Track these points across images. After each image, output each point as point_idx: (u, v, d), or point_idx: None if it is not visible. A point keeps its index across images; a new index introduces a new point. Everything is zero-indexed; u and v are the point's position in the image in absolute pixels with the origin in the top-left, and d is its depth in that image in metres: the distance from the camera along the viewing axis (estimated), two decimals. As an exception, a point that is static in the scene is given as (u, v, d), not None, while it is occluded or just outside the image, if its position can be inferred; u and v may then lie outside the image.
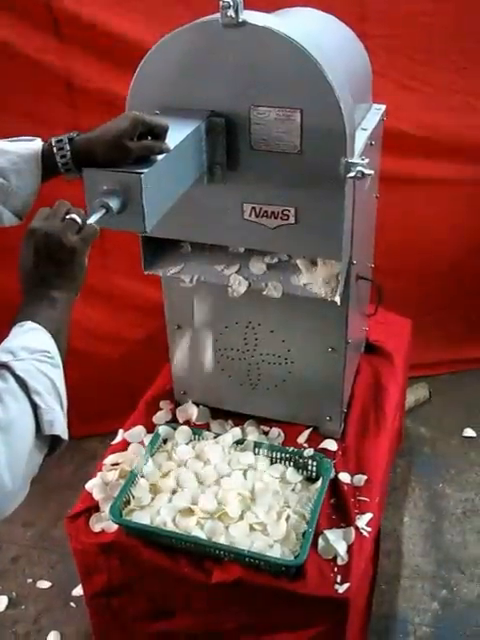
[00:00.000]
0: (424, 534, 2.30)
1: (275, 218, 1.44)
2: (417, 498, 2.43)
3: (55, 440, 0.97)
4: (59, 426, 0.96)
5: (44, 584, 2.21)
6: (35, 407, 0.93)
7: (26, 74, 2.01)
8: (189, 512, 1.56)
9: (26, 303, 1.03)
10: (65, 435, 0.97)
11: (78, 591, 2.11)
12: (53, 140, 1.18)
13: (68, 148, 1.17)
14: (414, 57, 2.25)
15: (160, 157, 1.19)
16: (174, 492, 1.60)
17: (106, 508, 1.58)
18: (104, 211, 1.11)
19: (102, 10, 1.99)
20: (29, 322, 1.00)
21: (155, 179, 1.16)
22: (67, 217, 1.05)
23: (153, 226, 1.18)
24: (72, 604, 2.14)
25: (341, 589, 1.45)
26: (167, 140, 1.22)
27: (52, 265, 1.03)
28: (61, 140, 1.18)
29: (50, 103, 2.07)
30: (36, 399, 0.93)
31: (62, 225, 1.04)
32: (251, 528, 1.53)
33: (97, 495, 1.64)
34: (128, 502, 1.59)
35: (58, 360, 1.00)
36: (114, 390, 2.50)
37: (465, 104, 2.35)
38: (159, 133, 1.20)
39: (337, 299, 1.51)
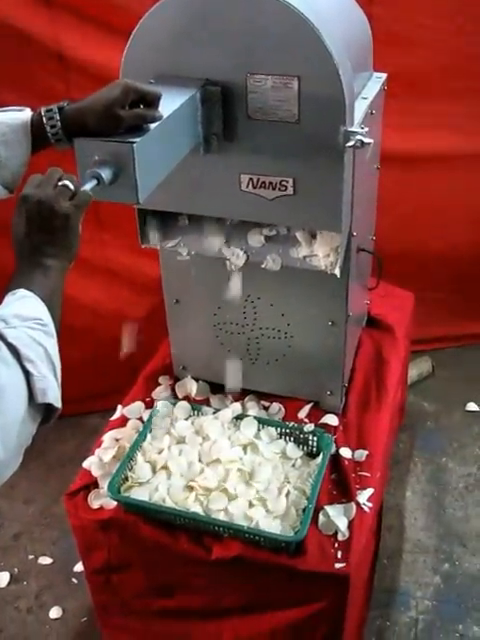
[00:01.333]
0: (426, 508, 2.30)
1: (273, 189, 1.42)
2: (419, 473, 2.42)
3: (49, 410, 0.96)
4: (52, 394, 0.94)
5: (46, 560, 2.22)
6: (27, 375, 0.92)
7: (17, 45, 1.97)
8: (188, 488, 1.55)
9: (19, 271, 1.01)
10: (58, 403, 0.96)
11: (79, 567, 2.11)
12: (43, 110, 1.16)
13: (58, 117, 1.14)
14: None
15: (153, 126, 1.16)
16: (173, 468, 1.59)
17: (104, 485, 1.57)
18: (96, 182, 1.09)
19: None
20: (22, 290, 0.98)
21: (148, 149, 1.14)
22: (59, 184, 1.03)
23: (146, 197, 1.16)
24: (74, 580, 2.14)
25: (341, 565, 1.44)
26: (161, 109, 1.19)
27: (45, 233, 1.01)
28: (51, 110, 1.15)
29: (42, 75, 2.03)
30: (28, 366, 0.92)
31: (55, 192, 1.02)
32: (251, 504, 1.53)
33: (95, 472, 1.63)
34: (126, 478, 1.58)
35: (51, 328, 0.98)
36: (115, 366, 2.44)
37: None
38: (151, 101, 1.17)
39: (337, 271, 1.49)
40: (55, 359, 0.98)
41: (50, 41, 2.00)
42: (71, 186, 1.03)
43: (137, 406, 1.81)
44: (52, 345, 0.98)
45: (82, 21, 1.99)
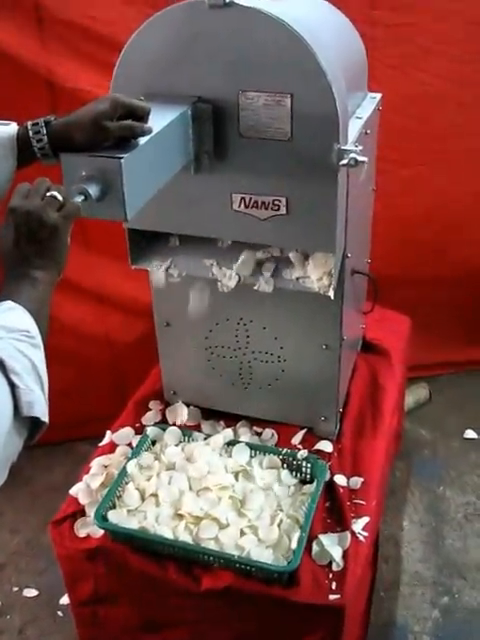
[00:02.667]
0: (424, 539, 2.26)
1: (265, 209, 1.41)
2: (417, 502, 2.39)
3: (36, 424, 0.94)
4: (39, 408, 0.93)
5: (31, 592, 2.17)
6: (13, 387, 0.90)
7: (6, 71, 1.97)
8: (178, 516, 1.53)
9: (6, 283, 1.01)
10: (45, 418, 0.94)
11: (65, 600, 2.06)
12: (29, 124, 1.15)
13: (45, 132, 1.14)
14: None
15: (142, 141, 1.15)
16: (162, 496, 1.57)
17: (92, 512, 1.55)
18: (83, 198, 1.08)
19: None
20: (9, 301, 0.97)
21: (137, 165, 1.13)
22: (47, 194, 1.02)
23: (134, 215, 1.15)
24: (59, 613, 2.09)
25: (336, 597, 1.42)
26: (150, 125, 1.18)
27: (33, 244, 1.01)
28: (37, 123, 1.14)
29: (30, 102, 2.01)
30: (14, 379, 0.91)
31: (42, 203, 1.01)
32: (242, 533, 1.51)
33: (83, 499, 1.61)
34: (114, 506, 1.56)
35: (39, 340, 0.97)
36: (105, 392, 2.50)
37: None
38: (141, 116, 1.17)
39: (331, 294, 1.48)
40: (42, 372, 0.96)
41: (40, 68, 2.00)
42: (59, 197, 1.03)
43: (126, 432, 1.80)
44: (39, 358, 0.96)
45: (73, 50, 1.99)
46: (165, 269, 1.60)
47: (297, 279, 1.53)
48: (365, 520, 1.56)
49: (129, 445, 1.76)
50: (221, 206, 1.43)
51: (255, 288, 1.54)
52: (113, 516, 1.53)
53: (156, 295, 1.72)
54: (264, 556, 1.45)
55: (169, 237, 1.61)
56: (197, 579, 1.47)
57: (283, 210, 1.40)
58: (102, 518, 1.51)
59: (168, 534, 1.50)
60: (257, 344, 1.71)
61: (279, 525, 1.51)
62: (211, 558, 1.46)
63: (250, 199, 1.41)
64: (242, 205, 1.42)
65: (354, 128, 1.46)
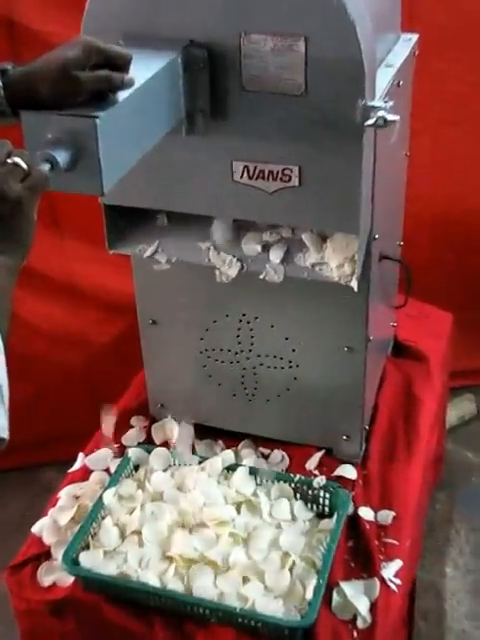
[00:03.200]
0: (471, 589, 2.27)
1: (274, 180, 1.40)
2: (462, 542, 2.39)
3: None
4: None
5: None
6: None
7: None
8: (166, 559, 1.53)
9: None
10: (4, 433, 0.94)
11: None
12: (-21, 73, 1.14)
13: (0, 83, 1.12)
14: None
15: (122, 96, 1.14)
16: (147, 533, 1.57)
17: (59, 555, 1.55)
18: (49, 166, 1.07)
19: None
20: None
21: (115, 125, 1.12)
22: (8, 161, 1.01)
23: (112, 187, 1.14)
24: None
25: (362, 659, 1.43)
26: (132, 75, 1.17)
27: None
28: (-10, 73, 1.13)
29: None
30: None
31: (3, 171, 1.00)
32: (245, 579, 1.50)
33: (48, 538, 1.62)
34: (88, 546, 1.56)
35: None
36: (78, 405, 2.51)
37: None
38: (120, 65, 1.16)
39: (354, 284, 1.48)
40: (2, 380, 0.96)
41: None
42: (23, 164, 1.01)
43: (103, 454, 1.80)
44: None
45: None
46: (151, 254, 1.59)
47: (313, 266, 1.52)
48: (397, 564, 1.56)
49: (106, 471, 1.76)
50: (219, 177, 1.42)
51: (261, 277, 1.54)
52: (86, 559, 1.53)
53: (140, 286, 1.72)
54: (273, 608, 1.45)
55: (155, 215, 1.61)
56: (190, 637, 1.47)
57: (295, 181, 1.39)
58: (72, 562, 1.51)
59: (154, 581, 1.49)
60: (264, 346, 1.71)
61: (291, 570, 1.51)
62: (207, 611, 1.46)
63: (255, 168, 1.40)
64: (245, 175, 1.41)
65: (383, 79, 1.45)
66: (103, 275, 2.34)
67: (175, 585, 1.49)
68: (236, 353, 1.74)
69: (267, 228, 1.55)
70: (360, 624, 1.46)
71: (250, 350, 1.73)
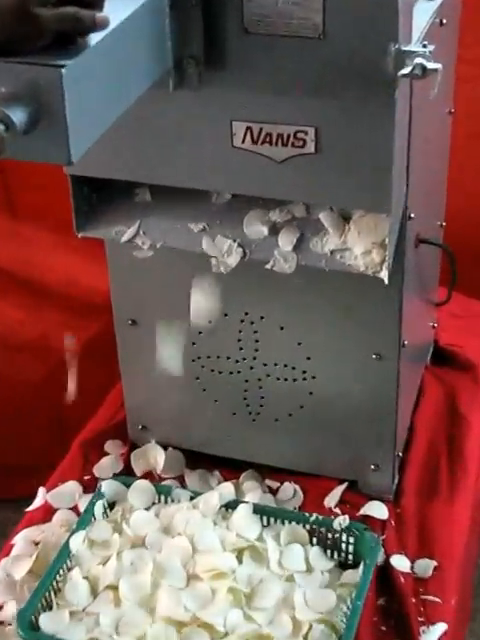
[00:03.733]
0: None
1: (284, 145, 1.39)
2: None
3: None
4: None
5: None
6: None
7: None
8: (149, 621, 1.52)
9: None
10: None
11: None
12: None
13: None
14: None
15: (94, 40, 1.13)
16: (125, 589, 1.56)
17: (13, 617, 1.54)
18: (3, 128, 1.06)
19: None
20: None
21: (86, 76, 1.11)
22: None
23: (82, 154, 1.13)
24: None
25: None
26: (106, 13, 1.16)
27: None
28: None
29: None
30: None
31: None
32: (250, 646, 1.50)
33: (1, 596, 1.61)
34: (50, 606, 1.56)
35: None
36: (38, 426, 2.53)
37: None
38: (90, 1, 1.14)
39: (384, 275, 1.47)
40: None
41: None
42: None
43: (69, 489, 1.81)
44: None
45: None
46: (130, 238, 1.59)
47: (332, 253, 1.51)
48: (441, 628, 1.55)
49: (73, 509, 1.77)
50: (215, 141, 1.41)
51: (268, 267, 1.53)
52: (48, 622, 1.52)
53: (116, 279, 1.73)
54: (284, 684, 1.45)
55: (135, 190, 1.60)
56: None
57: (311, 147, 1.38)
58: (30, 626, 1.50)
59: (134, 650, 1.49)
60: (271, 353, 1.71)
61: (306, 635, 1.50)
62: (201, 687, 1.46)
63: (260, 130, 1.39)
64: (248, 139, 1.40)
65: (421, 17, 1.44)
66: (70, 266, 2.34)
67: (160, 654, 1.48)
68: (237, 361, 1.74)
69: (275, 206, 1.55)
70: None
71: (254, 358, 1.73)
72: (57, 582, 1.58)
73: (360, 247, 1.49)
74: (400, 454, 1.80)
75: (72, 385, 1.98)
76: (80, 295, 2.40)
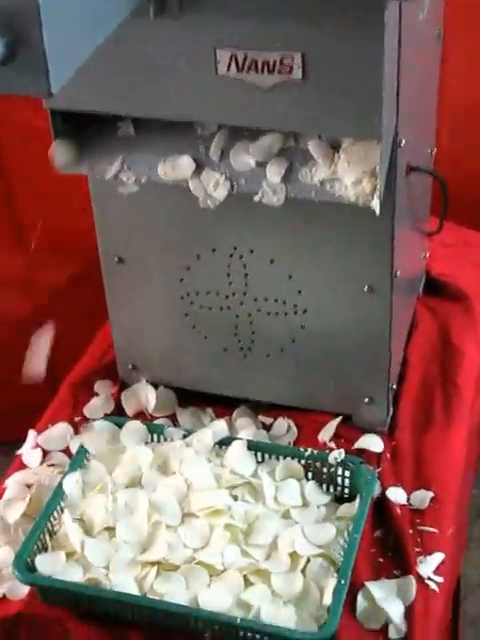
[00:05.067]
0: None
1: (270, 72, 1.37)
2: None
3: None
4: None
5: None
6: None
7: None
8: (145, 561, 1.53)
9: None
10: None
11: None
12: None
13: None
14: None
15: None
16: (120, 530, 1.57)
17: (9, 560, 1.54)
18: (-24, 59, 1.04)
19: None
20: None
21: (63, 3, 1.08)
22: None
23: (62, 85, 1.11)
24: None
25: (396, 678, 1.44)
26: None
27: None
28: None
29: None
30: None
31: None
32: (247, 582, 1.50)
33: (-6, 540, 1.62)
34: (45, 548, 1.56)
35: None
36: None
37: None
38: None
39: (375, 205, 1.46)
40: None
41: None
42: None
43: (60, 431, 1.81)
44: None
45: None
46: (114, 174, 1.57)
47: (322, 184, 1.50)
48: (438, 558, 1.56)
49: (65, 451, 1.77)
50: (199, 70, 1.39)
51: (256, 199, 1.52)
52: (44, 564, 1.52)
53: (101, 216, 1.71)
54: (283, 618, 1.45)
55: (118, 122, 1.58)
56: (178, 657, 1.48)
57: (298, 73, 1.36)
58: (27, 568, 1.50)
59: (131, 588, 1.49)
60: (261, 287, 1.71)
61: (304, 569, 1.51)
62: (200, 624, 1.46)
63: (245, 57, 1.37)
64: (233, 66, 1.38)
65: None
66: (51, 200, 2.35)
67: (158, 593, 1.49)
68: (226, 297, 1.74)
69: (262, 136, 1.52)
70: (393, 634, 1.46)
71: (244, 293, 1.72)
72: (52, 524, 1.58)
73: (350, 177, 1.48)
74: (394, 386, 1.81)
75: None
76: (62, 229, 2.39)
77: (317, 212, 1.55)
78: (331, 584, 1.47)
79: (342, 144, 1.49)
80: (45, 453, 1.77)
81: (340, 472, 1.64)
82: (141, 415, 1.82)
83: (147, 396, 1.85)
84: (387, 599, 1.49)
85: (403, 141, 1.52)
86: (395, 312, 1.69)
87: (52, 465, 1.75)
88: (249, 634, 1.44)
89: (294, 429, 1.79)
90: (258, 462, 1.69)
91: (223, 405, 1.83)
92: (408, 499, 1.66)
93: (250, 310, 1.74)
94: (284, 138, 1.52)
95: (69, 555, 1.54)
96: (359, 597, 1.50)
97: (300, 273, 1.68)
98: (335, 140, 1.49)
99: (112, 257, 1.75)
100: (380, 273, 1.63)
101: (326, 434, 1.77)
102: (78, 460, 1.67)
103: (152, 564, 1.52)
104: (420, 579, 1.53)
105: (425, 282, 2.09)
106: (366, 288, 1.64)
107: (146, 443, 1.73)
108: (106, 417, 1.79)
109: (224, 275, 1.71)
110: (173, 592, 1.49)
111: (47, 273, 2.50)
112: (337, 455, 1.65)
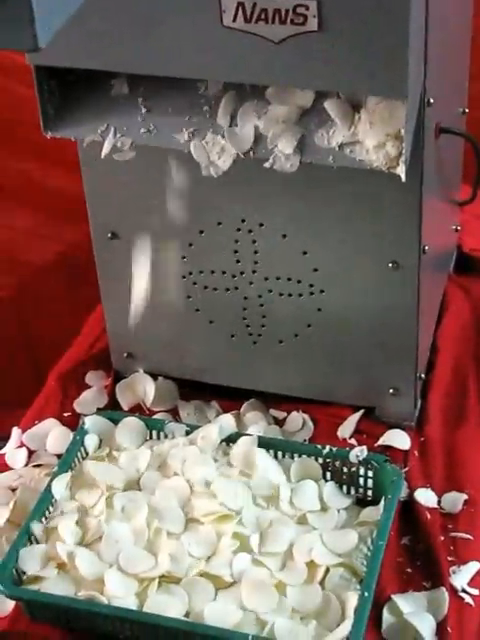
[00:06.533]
0: None
1: (281, 22, 1.36)
2: None
3: None
4: None
5: None
6: None
7: None
8: (144, 573, 1.53)
9: None
10: None
11: None
12: None
13: None
14: None
15: None
16: (115, 537, 1.57)
17: (-7, 572, 1.55)
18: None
19: None
20: None
21: None
22: None
23: (50, 38, 1.10)
24: None
25: None
26: None
27: None
28: None
29: None
30: None
31: None
32: (260, 595, 1.50)
33: (-25, 549, 1.62)
34: (32, 559, 1.55)
35: None
36: (8, 357, 2.52)
37: None
38: None
39: (401, 171, 1.46)
40: None
41: None
42: None
43: (47, 427, 1.82)
44: None
45: None
46: (107, 140, 1.56)
47: (341, 147, 1.49)
48: (473, 568, 1.56)
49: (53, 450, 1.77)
50: (203, 21, 1.39)
51: (267, 166, 1.52)
52: (30, 578, 1.53)
53: (92, 187, 1.72)
54: (300, 635, 1.45)
55: (111, 80, 1.58)
56: (182, 679, 1.48)
57: (313, 24, 1.35)
58: (11, 580, 1.51)
59: (129, 603, 1.49)
60: (273, 265, 1.71)
61: (323, 580, 1.51)
62: (205, 641, 1.47)
63: (254, 6, 1.36)
64: (240, 17, 1.37)
65: None
66: (35, 170, 2.34)
67: (158, 607, 1.48)
68: (233, 276, 1.74)
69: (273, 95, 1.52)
70: (422, 653, 1.48)
71: (254, 271, 1.72)
72: (39, 532, 1.58)
73: (373, 139, 1.47)
74: (422, 376, 1.81)
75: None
76: (48, 201, 2.38)
77: (335, 180, 1.54)
78: (353, 597, 1.47)
79: (363, 104, 1.48)
80: (31, 453, 1.77)
81: (362, 472, 1.65)
82: (138, 409, 1.83)
83: (145, 388, 1.85)
84: (416, 614, 1.49)
85: (432, 99, 1.52)
86: (423, 291, 1.68)
87: (39, 466, 1.76)
88: (262, 654, 1.44)
89: (310, 424, 1.79)
90: (270, 461, 1.68)
91: (230, 398, 1.84)
92: (439, 502, 1.66)
93: (260, 291, 1.74)
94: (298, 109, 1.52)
95: (59, 566, 1.55)
96: (385, 612, 1.50)
97: (316, 249, 1.67)
98: (355, 99, 1.49)
99: (105, 232, 1.75)
100: (406, 248, 1.63)
101: (346, 430, 1.78)
102: (68, 460, 1.68)
103: (151, 577, 1.52)
104: (453, 591, 1.53)
105: (456, 258, 2.10)
106: (390, 265, 1.64)
107: (145, 440, 1.74)
108: (99, 412, 1.79)
109: (231, 252, 1.71)
110: (176, 607, 1.49)
111: (31, 253, 2.51)
112: (359, 453, 1.65)
